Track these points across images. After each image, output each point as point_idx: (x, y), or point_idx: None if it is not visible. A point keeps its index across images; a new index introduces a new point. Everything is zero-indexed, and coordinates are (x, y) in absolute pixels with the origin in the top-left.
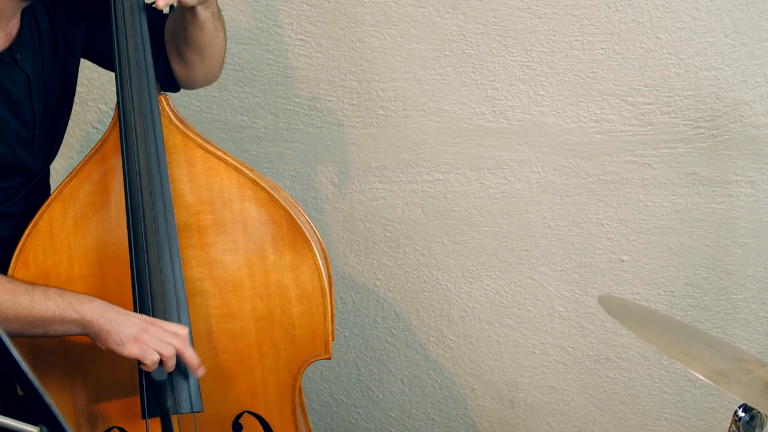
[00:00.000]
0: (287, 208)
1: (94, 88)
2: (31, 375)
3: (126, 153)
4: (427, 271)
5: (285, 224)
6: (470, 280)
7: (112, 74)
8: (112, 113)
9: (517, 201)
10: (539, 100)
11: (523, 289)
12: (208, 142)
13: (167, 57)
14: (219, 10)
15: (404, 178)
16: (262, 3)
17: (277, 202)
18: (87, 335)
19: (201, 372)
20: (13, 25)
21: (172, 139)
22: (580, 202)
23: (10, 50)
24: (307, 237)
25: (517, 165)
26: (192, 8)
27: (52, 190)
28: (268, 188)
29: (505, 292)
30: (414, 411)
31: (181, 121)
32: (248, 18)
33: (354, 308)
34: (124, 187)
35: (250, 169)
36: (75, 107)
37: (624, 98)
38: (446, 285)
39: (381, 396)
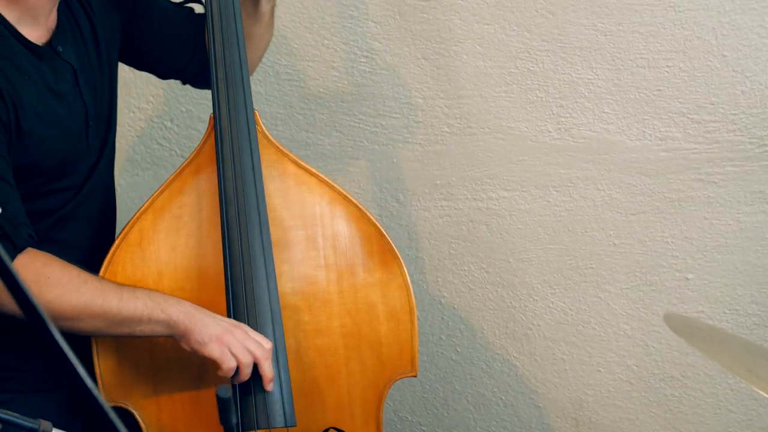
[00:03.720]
0: (378, 225)
1: (159, 105)
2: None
3: (222, 165)
4: (492, 289)
5: (375, 241)
6: (535, 298)
7: (177, 92)
8: (177, 130)
9: (582, 219)
10: (604, 118)
11: (588, 307)
12: (297, 158)
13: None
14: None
15: (469, 196)
16: (328, 20)
17: (368, 218)
18: (172, 337)
19: (270, 388)
20: (52, 20)
21: (267, 153)
22: (645, 220)
23: (50, 43)
24: (396, 254)
25: (582, 183)
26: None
27: (126, 209)
28: (359, 204)
29: (570, 310)
30: (479, 429)
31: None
32: (314, 35)
33: (419, 326)
34: (219, 200)
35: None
36: (140, 123)
37: (689, 116)
38: (511, 303)
39: (446, 414)
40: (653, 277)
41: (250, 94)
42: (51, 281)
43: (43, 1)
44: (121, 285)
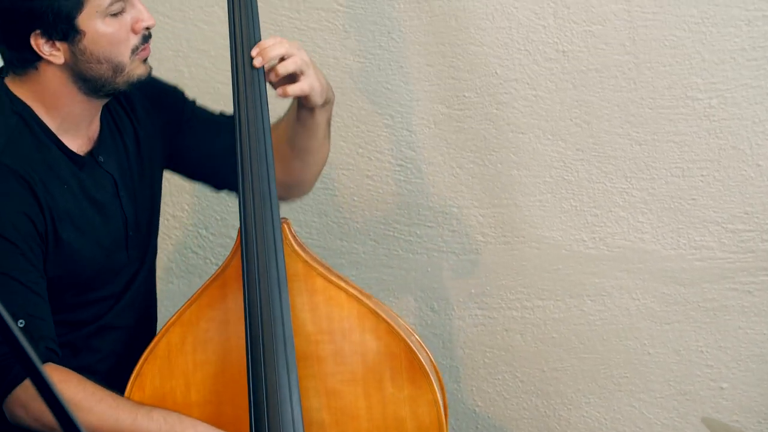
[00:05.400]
0: (407, 340)
1: (195, 213)
2: None
3: (247, 281)
4: (527, 398)
5: (404, 357)
6: (569, 407)
7: (212, 200)
8: (212, 238)
9: (617, 328)
10: (639, 227)
11: (622, 416)
12: (328, 269)
13: None
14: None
15: (504, 305)
16: (363, 129)
17: (397, 334)
18: None
19: None
20: (94, 129)
21: (294, 267)
22: (679, 329)
23: (92, 153)
24: (426, 371)
25: (617, 292)
26: (311, 109)
27: (161, 317)
28: (388, 319)
29: (604, 419)
30: None
31: (301, 247)
32: (348, 143)
33: None
34: (244, 315)
35: (368, 297)
36: (175, 232)
37: (724, 225)
38: (545, 411)
39: None
40: (688, 386)
41: (278, 208)
42: (63, 399)
43: (81, 109)
44: (138, 405)
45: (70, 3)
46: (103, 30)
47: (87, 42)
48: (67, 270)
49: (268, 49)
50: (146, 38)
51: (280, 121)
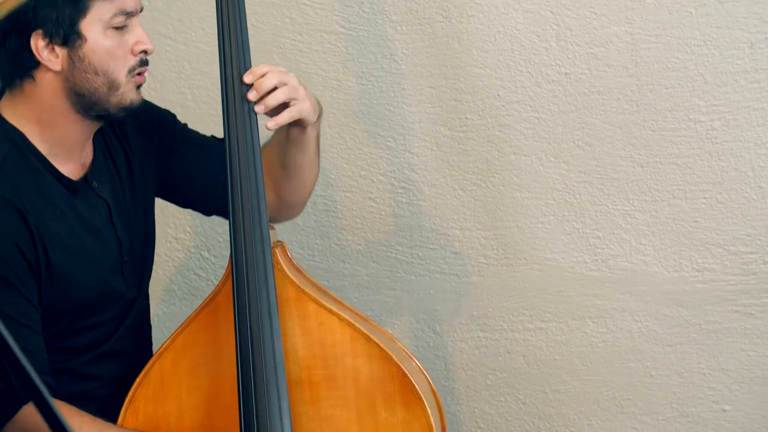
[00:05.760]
0: (400, 364)
1: (197, 235)
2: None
3: (237, 306)
4: (529, 420)
5: (398, 381)
6: (571, 429)
7: (214, 222)
8: (214, 260)
9: (619, 350)
10: (641, 249)
11: None
12: (323, 292)
13: None
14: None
15: (506, 327)
16: (365, 151)
17: (389, 358)
18: None
19: None
20: (87, 155)
21: (285, 292)
22: (681, 352)
23: (86, 178)
24: (419, 394)
25: (619, 314)
26: (303, 127)
27: (163, 338)
28: (381, 344)
29: None
30: None
31: (298, 270)
32: (351, 166)
33: None
34: (234, 341)
35: (365, 319)
36: (177, 254)
37: (726, 247)
38: None
39: None
40: (690, 408)
41: (268, 233)
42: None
43: (74, 130)
44: None
45: (74, 6)
46: (103, 41)
47: (87, 49)
48: (62, 296)
49: (263, 82)
50: (144, 62)
51: (266, 144)
